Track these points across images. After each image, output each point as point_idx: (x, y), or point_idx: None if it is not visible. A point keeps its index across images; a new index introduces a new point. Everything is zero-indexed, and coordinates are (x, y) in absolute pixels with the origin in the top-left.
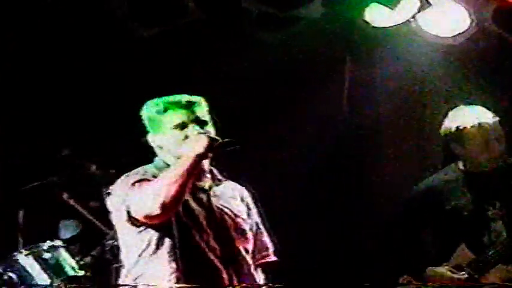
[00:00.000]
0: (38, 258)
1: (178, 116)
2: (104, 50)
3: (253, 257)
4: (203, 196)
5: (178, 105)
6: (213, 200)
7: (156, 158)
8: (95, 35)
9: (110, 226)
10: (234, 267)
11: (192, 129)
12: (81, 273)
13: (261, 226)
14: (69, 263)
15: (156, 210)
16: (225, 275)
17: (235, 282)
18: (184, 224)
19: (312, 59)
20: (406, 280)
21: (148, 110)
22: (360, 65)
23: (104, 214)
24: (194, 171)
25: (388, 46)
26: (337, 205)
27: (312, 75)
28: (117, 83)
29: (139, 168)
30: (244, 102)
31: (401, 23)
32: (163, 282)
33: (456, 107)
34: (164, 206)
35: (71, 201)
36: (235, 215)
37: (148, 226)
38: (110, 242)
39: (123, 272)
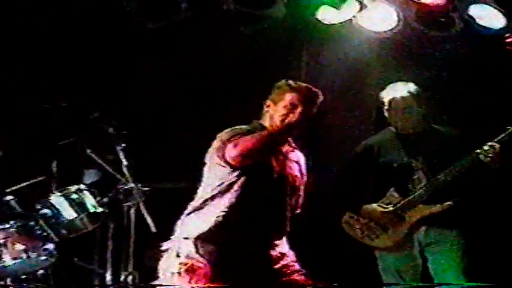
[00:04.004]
0: (67, 198)
1: (295, 98)
2: (117, 36)
3: (291, 208)
4: (281, 157)
5: (302, 90)
6: (287, 161)
7: (255, 120)
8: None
9: (122, 174)
10: (277, 212)
11: (298, 110)
12: (100, 210)
13: (302, 187)
14: (91, 202)
15: (241, 155)
16: (269, 217)
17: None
18: (259, 171)
19: (277, 47)
20: (348, 215)
21: (280, 85)
22: (313, 54)
23: (117, 165)
24: (281, 137)
25: (335, 38)
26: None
27: (275, 61)
28: (128, 66)
29: (239, 126)
30: (221, 80)
31: (345, 21)
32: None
33: (388, 85)
34: (248, 154)
35: (93, 155)
36: (296, 176)
37: (232, 167)
38: (122, 186)
39: (194, 200)
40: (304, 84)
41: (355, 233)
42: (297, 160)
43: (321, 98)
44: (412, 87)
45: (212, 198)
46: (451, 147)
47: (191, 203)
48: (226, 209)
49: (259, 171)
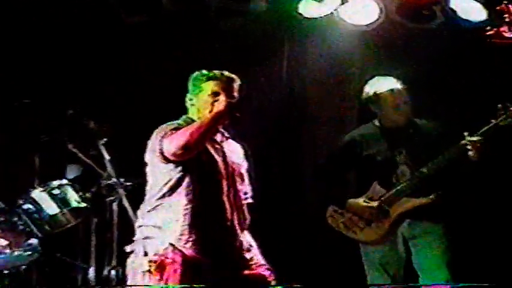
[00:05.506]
0: (49, 193)
1: (215, 86)
2: (98, 30)
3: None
4: (218, 146)
5: (219, 77)
6: (225, 149)
7: (184, 116)
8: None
9: (104, 169)
10: (235, 201)
11: (221, 97)
12: (83, 205)
13: (247, 175)
14: (74, 197)
15: (179, 149)
16: (228, 207)
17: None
18: (203, 163)
19: (258, 42)
20: (332, 209)
21: (196, 76)
22: (295, 48)
23: (99, 159)
24: (213, 126)
25: (316, 33)
26: (284, 157)
27: (258, 56)
28: (109, 59)
29: (171, 122)
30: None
31: (327, 15)
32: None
33: (372, 78)
34: (185, 147)
35: (75, 150)
36: (238, 163)
37: (175, 163)
38: (105, 181)
39: (142, 206)
40: (218, 71)
41: (339, 226)
42: (233, 149)
43: (238, 82)
44: (397, 81)
45: (163, 196)
46: (433, 140)
47: (142, 205)
48: (183, 206)
49: (202, 164)
